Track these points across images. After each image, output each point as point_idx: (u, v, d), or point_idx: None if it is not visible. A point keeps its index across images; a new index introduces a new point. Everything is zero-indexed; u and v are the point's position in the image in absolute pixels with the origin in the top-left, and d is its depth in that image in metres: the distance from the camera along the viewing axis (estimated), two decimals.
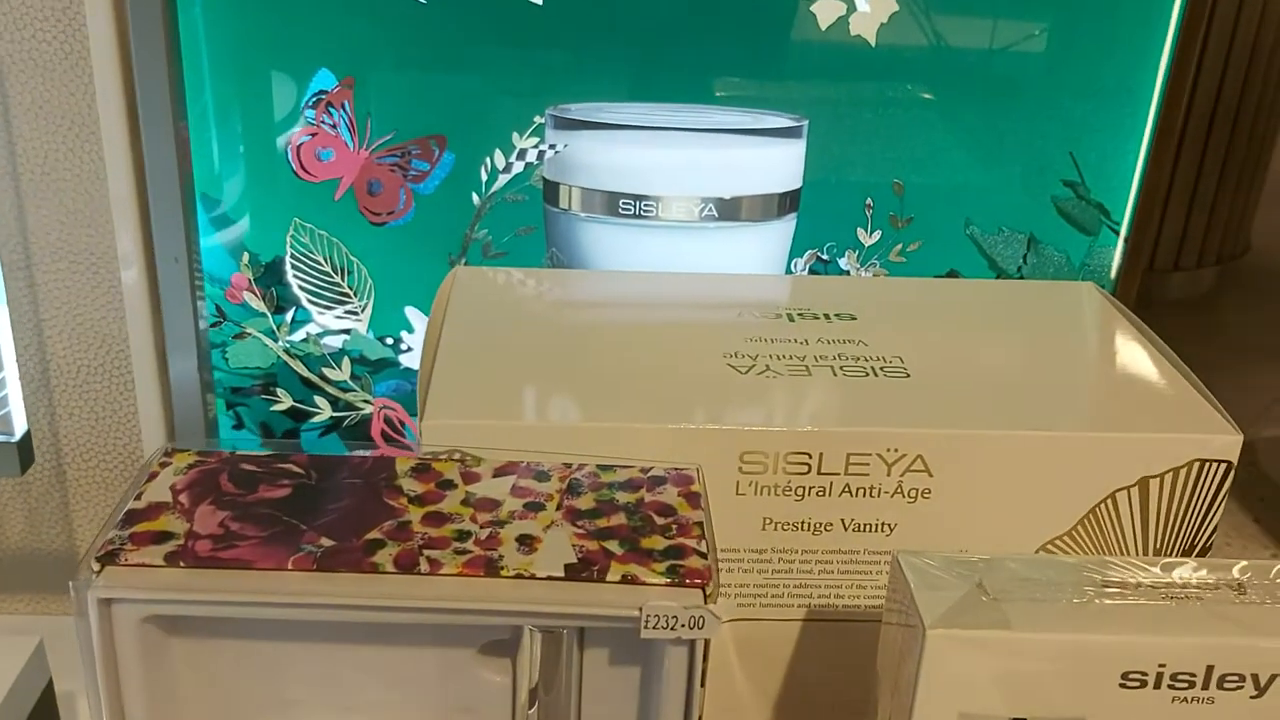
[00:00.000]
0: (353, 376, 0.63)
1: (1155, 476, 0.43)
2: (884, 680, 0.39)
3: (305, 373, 0.63)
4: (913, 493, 0.43)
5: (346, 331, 0.62)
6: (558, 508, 0.36)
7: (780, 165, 0.60)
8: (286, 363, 0.62)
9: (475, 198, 0.59)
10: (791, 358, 0.47)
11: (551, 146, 0.58)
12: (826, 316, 0.51)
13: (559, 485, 0.37)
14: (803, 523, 0.44)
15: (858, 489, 0.43)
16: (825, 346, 0.48)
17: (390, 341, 0.62)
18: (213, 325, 0.62)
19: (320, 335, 0.62)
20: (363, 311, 0.62)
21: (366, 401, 0.63)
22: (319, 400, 0.63)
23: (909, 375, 0.46)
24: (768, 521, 0.44)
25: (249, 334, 0.62)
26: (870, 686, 0.40)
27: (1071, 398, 0.46)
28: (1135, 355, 0.49)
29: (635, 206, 0.59)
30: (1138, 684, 0.35)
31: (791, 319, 0.50)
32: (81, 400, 0.64)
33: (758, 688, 0.47)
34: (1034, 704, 0.35)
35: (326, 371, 0.63)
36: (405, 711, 0.37)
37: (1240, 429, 0.43)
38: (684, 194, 0.59)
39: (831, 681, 0.46)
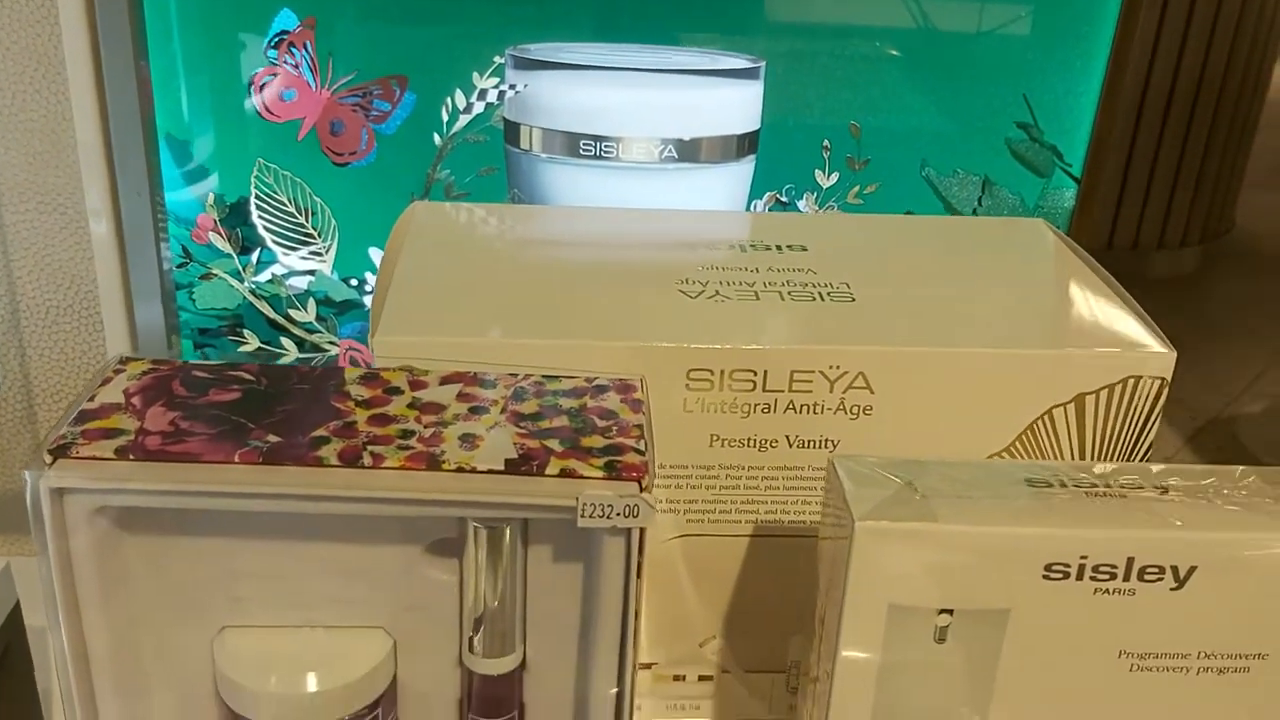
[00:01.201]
0: (318, 318, 0.64)
1: (1091, 393, 0.44)
2: (821, 585, 0.40)
3: (271, 314, 0.63)
4: (855, 409, 0.44)
5: (311, 272, 0.63)
6: (501, 411, 0.37)
7: (739, 106, 0.61)
8: (253, 304, 0.63)
9: (437, 138, 0.60)
10: (741, 284, 0.48)
11: (512, 87, 0.59)
12: (778, 248, 0.52)
13: (504, 392, 0.38)
14: (749, 439, 0.45)
15: (801, 406, 0.44)
16: (774, 274, 0.49)
17: (355, 283, 0.63)
18: (179, 266, 0.62)
19: (285, 276, 0.63)
20: (327, 253, 0.62)
21: (332, 343, 0.64)
22: (285, 342, 0.64)
23: (854, 300, 0.47)
24: (715, 438, 0.45)
25: (215, 275, 0.63)
26: (812, 599, 0.41)
27: (1011, 319, 0.48)
28: (1077, 282, 0.50)
29: (596, 147, 0.60)
30: (1060, 576, 0.36)
31: (744, 250, 0.51)
32: (51, 341, 0.65)
33: (706, 602, 0.48)
34: (961, 596, 0.36)
35: (292, 313, 0.64)
36: (354, 609, 0.38)
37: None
38: (644, 135, 0.60)
39: (777, 595, 0.47)
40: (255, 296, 0.63)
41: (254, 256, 0.62)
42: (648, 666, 0.50)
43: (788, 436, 0.45)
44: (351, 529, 0.37)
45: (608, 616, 0.37)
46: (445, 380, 0.39)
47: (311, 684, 0.37)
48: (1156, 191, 2.14)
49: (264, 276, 0.63)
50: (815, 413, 0.44)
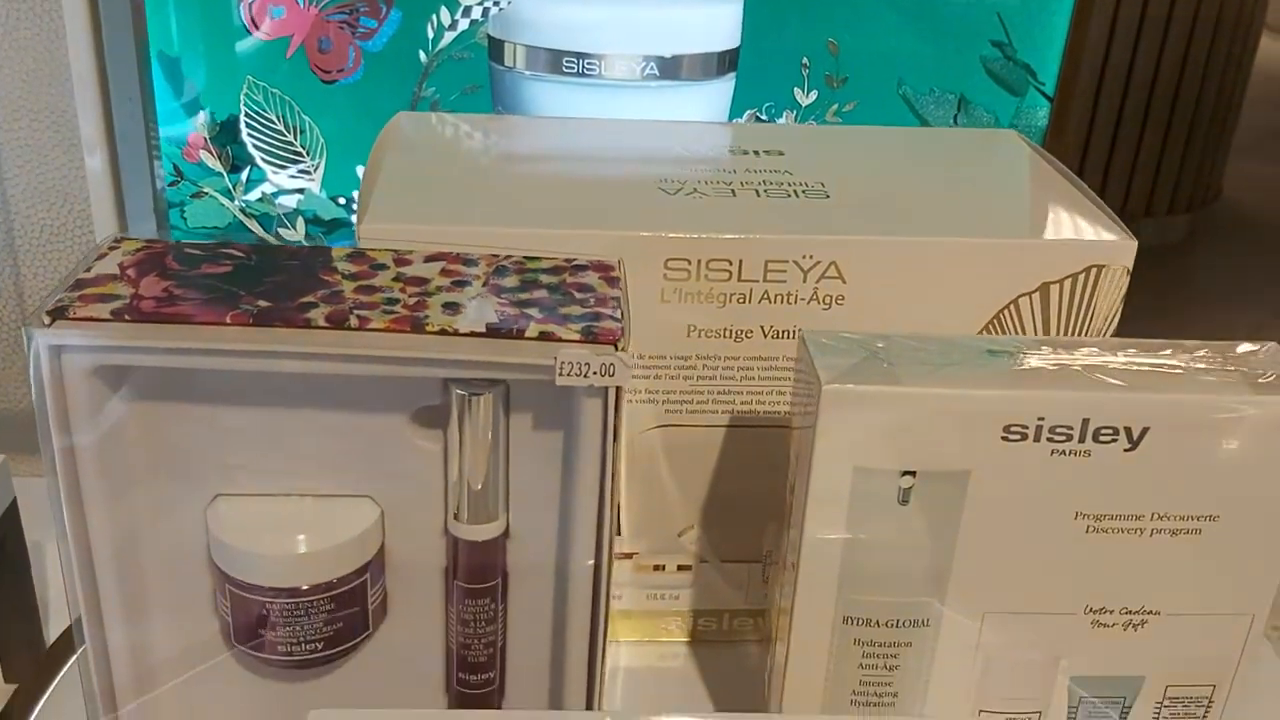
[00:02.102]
0: (307, 236, 0.65)
1: (1055, 282, 0.46)
2: (791, 457, 0.41)
3: (261, 232, 0.65)
4: (827, 299, 0.46)
5: (300, 191, 0.64)
6: (483, 284, 0.38)
7: (719, 23, 0.62)
8: (243, 222, 0.64)
9: (422, 56, 0.61)
10: (718, 183, 0.49)
11: (495, 3, 0.60)
12: (756, 153, 0.53)
13: (486, 269, 0.40)
14: (725, 330, 0.46)
15: (776, 296, 0.46)
16: (752, 175, 0.50)
17: (343, 202, 0.65)
18: (171, 185, 0.64)
19: (275, 195, 0.64)
20: (315, 171, 0.64)
21: None
22: None
23: (829, 197, 0.49)
24: (692, 329, 0.46)
25: (206, 193, 0.64)
26: (785, 489, 0.43)
27: (979, 213, 0.49)
28: (1044, 182, 0.52)
29: (578, 65, 0.61)
30: (1019, 437, 0.38)
31: (722, 154, 0.53)
32: (45, 260, 0.66)
33: (684, 493, 0.50)
34: (923, 457, 0.38)
35: (282, 231, 0.65)
36: (342, 477, 0.40)
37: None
38: (626, 52, 0.61)
39: (752, 486, 0.48)
40: (245, 215, 0.64)
41: (244, 175, 0.63)
42: (628, 556, 0.51)
43: (762, 327, 0.46)
44: (339, 396, 0.38)
45: (586, 482, 0.39)
46: (430, 258, 0.40)
47: (301, 546, 0.38)
48: (1144, 160, 2.15)
49: (254, 195, 0.64)
50: (789, 303, 0.46)
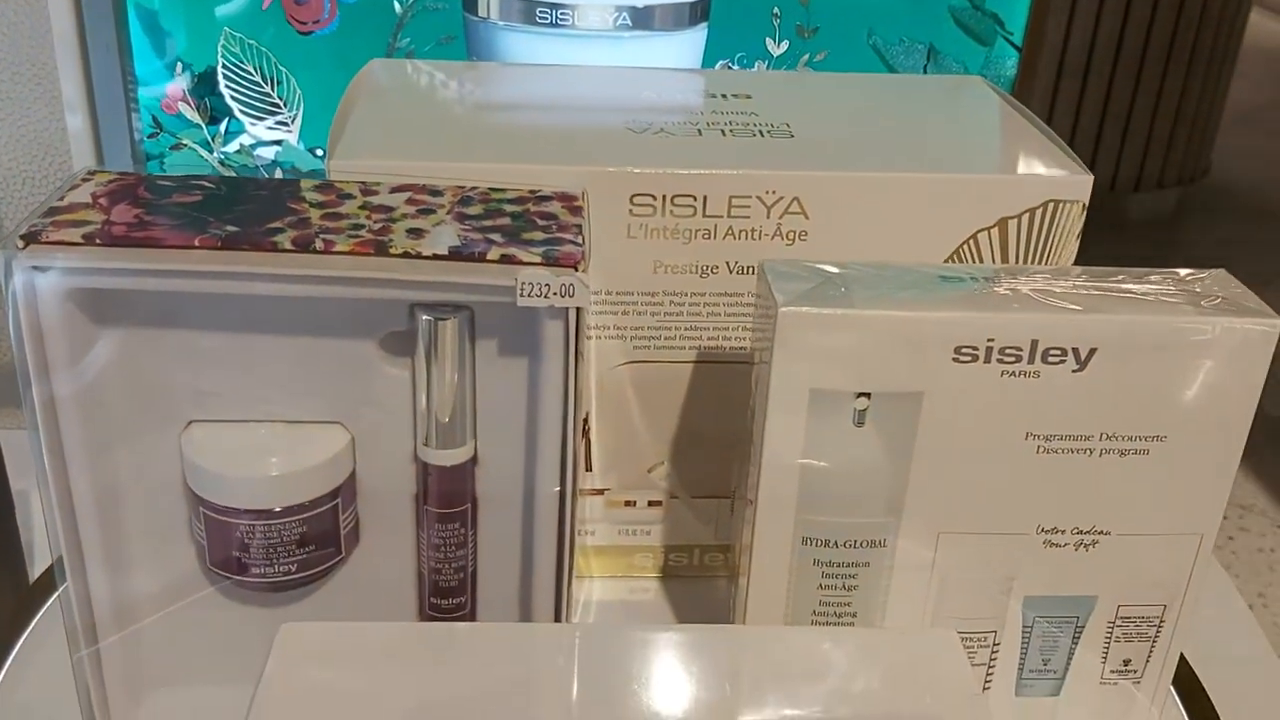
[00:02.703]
0: None
1: (1013, 217, 0.47)
2: (752, 385, 0.42)
3: None
4: (791, 235, 0.47)
5: (278, 143, 0.65)
6: (448, 212, 0.39)
7: None
8: (221, 174, 0.65)
9: (397, 6, 0.62)
10: (685, 123, 0.50)
11: None
12: (723, 96, 0.54)
13: (451, 199, 0.41)
14: (691, 266, 0.47)
15: (740, 232, 0.47)
16: (718, 116, 0.51)
17: (320, 153, 0.65)
18: (150, 137, 0.64)
19: (253, 146, 0.65)
20: (293, 122, 0.64)
21: None
22: None
23: (794, 137, 0.49)
24: (658, 265, 0.47)
25: (185, 145, 0.65)
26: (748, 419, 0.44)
27: (941, 151, 0.50)
28: (1007, 123, 0.53)
29: (551, 15, 0.62)
30: (969, 358, 0.39)
31: (690, 97, 0.54)
32: (25, 210, 0.67)
33: (653, 429, 0.51)
34: (877, 379, 0.39)
35: None
36: (313, 403, 0.41)
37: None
38: (599, 2, 0.62)
39: (720, 422, 0.49)
40: (224, 166, 0.65)
41: (222, 126, 0.64)
42: (599, 493, 0.53)
43: (728, 262, 0.47)
44: (308, 323, 0.39)
45: (551, 407, 0.40)
46: (396, 189, 0.41)
47: (274, 469, 0.39)
48: (1134, 133, 2.16)
49: (232, 147, 0.65)
50: (753, 238, 0.47)
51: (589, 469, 0.52)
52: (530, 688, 0.35)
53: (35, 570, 0.59)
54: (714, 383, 0.50)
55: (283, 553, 0.40)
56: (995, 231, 0.47)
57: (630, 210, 0.46)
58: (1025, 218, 0.47)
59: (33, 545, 0.60)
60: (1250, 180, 2.41)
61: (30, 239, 0.36)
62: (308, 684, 0.34)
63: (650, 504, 0.53)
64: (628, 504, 0.53)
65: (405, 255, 0.36)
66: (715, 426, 0.50)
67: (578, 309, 0.37)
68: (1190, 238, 2.23)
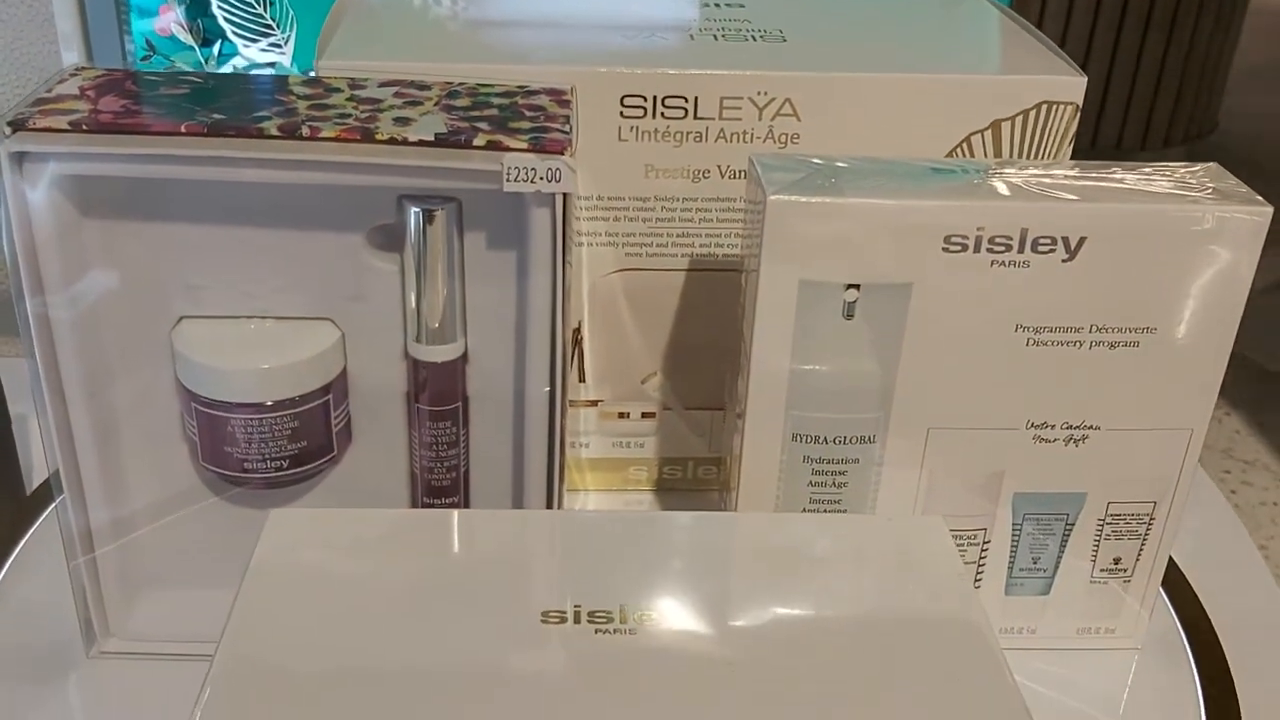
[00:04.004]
0: None
1: (1006, 120, 0.47)
2: (741, 294, 0.42)
3: None
4: (783, 137, 0.47)
5: (272, 65, 0.65)
6: (435, 104, 0.39)
7: None
8: None
9: None
10: (677, 29, 0.50)
11: None
12: (716, 4, 0.54)
13: (439, 93, 0.40)
14: (682, 170, 0.47)
15: (732, 135, 0.46)
16: (711, 22, 0.51)
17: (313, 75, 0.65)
18: (143, 59, 0.64)
19: (247, 69, 0.65)
20: (286, 44, 0.64)
21: None
22: None
23: (786, 41, 0.49)
24: (649, 169, 0.47)
25: (179, 68, 0.64)
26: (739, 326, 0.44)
27: (934, 54, 0.50)
28: (1002, 28, 0.52)
29: None
30: (959, 248, 0.38)
31: (683, 7, 0.53)
32: None
33: (646, 338, 0.51)
34: (866, 270, 0.39)
35: None
36: (302, 298, 0.41)
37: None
38: None
39: (713, 331, 0.49)
40: None
41: (215, 49, 0.64)
42: (594, 404, 0.53)
43: (719, 166, 0.47)
44: (296, 216, 0.39)
45: (539, 302, 0.40)
46: (383, 84, 0.41)
47: (264, 362, 0.40)
48: (1140, 91, 2.14)
49: (226, 69, 0.64)
50: (745, 141, 0.46)
51: (582, 380, 0.52)
52: (521, 568, 0.36)
53: (31, 488, 0.59)
54: (706, 291, 0.50)
55: (274, 449, 0.41)
56: (989, 134, 0.47)
57: (621, 112, 0.46)
58: (1018, 119, 0.47)
59: (31, 470, 0.61)
60: (1258, 138, 2.39)
61: (17, 125, 0.35)
62: (296, 567, 0.34)
63: (644, 416, 0.53)
64: (621, 416, 0.53)
65: (391, 141, 0.36)
66: (707, 336, 0.50)
67: (565, 196, 0.37)
68: None
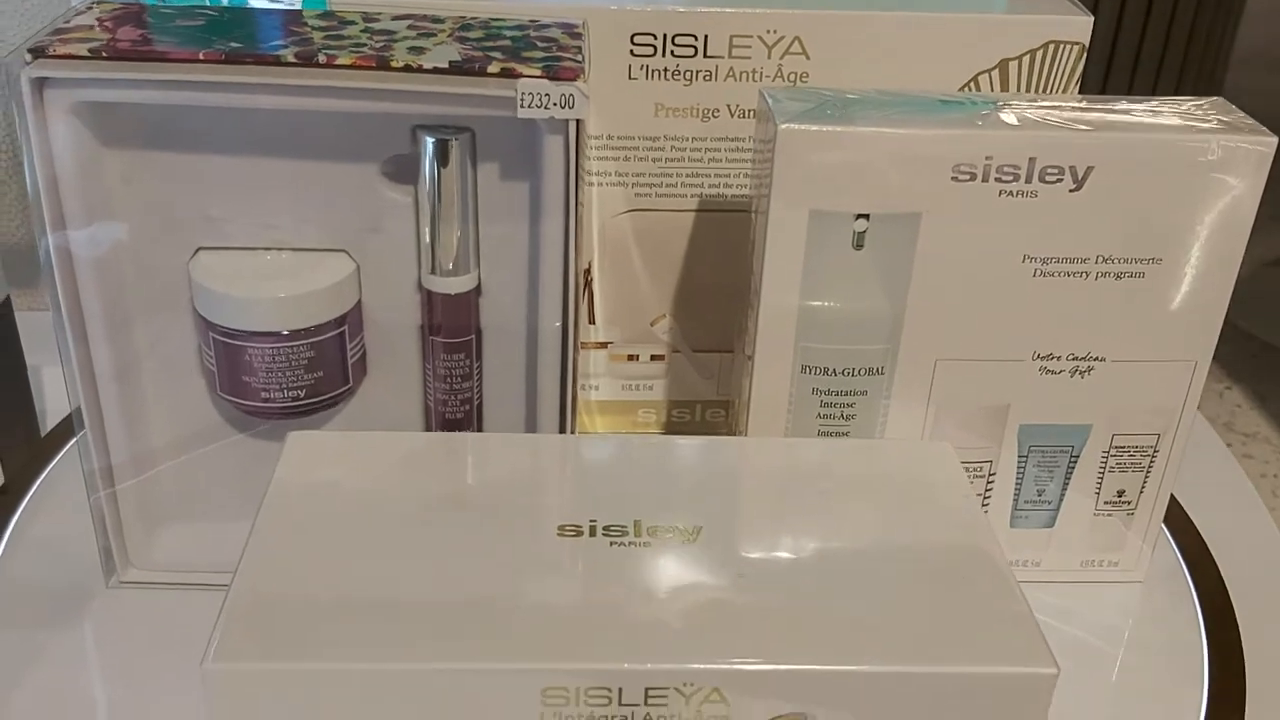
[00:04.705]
0: None
1: (1014, 59, 0.47)
2: (753, 223, 0.43)
3: None
4: (792, 76, 0.47)
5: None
6: (449, 35, 0.40)
7: None
8: None
9: None
10: None
11: None
12: None
13: (453, 25, 0.41)
14: (692, 108, 0.47)
15: (741, 74, 0.47)
16: None
17: None
18: None
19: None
20: None
21: None
22: None
23: None
24: (659, 108, 0.47)
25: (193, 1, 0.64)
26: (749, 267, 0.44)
27: None
28: None
29: None
30: (967, 177, 0.39)
31: None
32: None
33: (655, 280, 0.51)
34: (875, 200, 0.39)
35: None
36: (319, 230, 0.41)
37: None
38: None
39: (722, 274, 0.50)
40: None
41: None
42: (603, 346, 0.53)
43: (729, 105, 0.47)
44: (312, 147, 0.39)
45: (552, 232, 0.40)
46: (397, 18, 0.41)
47: (281, 291, 0.40)
48: (1142, 74, 2.14)
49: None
50: (754, 80, 0.47)
51: (592, 322, 0.53)
52: (537, 487, 0.36)
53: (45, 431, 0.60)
54: (715, 232, 0.50)
55: (291, 378, 0.41)
56: (996, 73, 0.47)
57: (631, 50, 0.46)
58: (1025, 59, 0.47)
59: (45, 414, 0.61)
60: (1260, 115, 2.39)
61: (38, 53, 0.36)
62: (316, 485, 0.35)
63: (653, 358, 0.54)
64: (631, 358, 0.54)
65: (406, 69, 0.37)
66: (716, 278, 0.51)
67: (578, 123, 0.37)
68: None
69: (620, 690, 0.29)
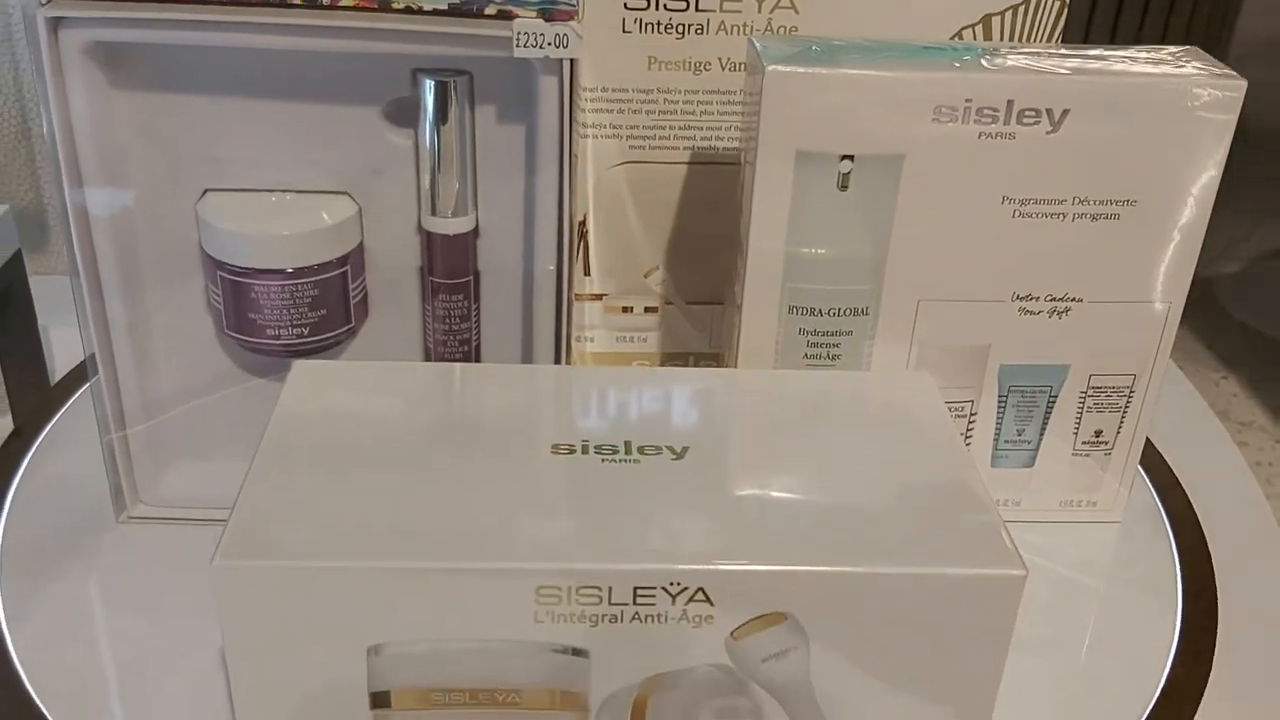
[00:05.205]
0: None
1: (996, 14, 0.48)
2: (742, 171, 0.44)
3: None
4: (781, 29, 0.48)
5: None
6: None
7: None
8: None
9: None
10: None
11: None
12: None
13: None
14: (684, 61, 0.49)
15: (732, 27, 0.48)
16: None
17: None
18: None
19: None
20: None
21: None
22: None
23: None
24: (652, 60, 0.49)
25: None
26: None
27: None
28: None
29: None
30: (948, 118, 0.40)
31: None
32: None
33: (649, 232, 0.53)
34: (860, 141, 0.41)
35: None
36: (323, 171, 0.42)
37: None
38: None
39: (714, 226, 0.51)
40: None
41: None
42: (598, 298, 0.55)
43: (720, 59, 0.49)
44: (316, 90, 0.41)
45: (546, 173, 0.42)
46: None
47: (286, 230, 0.42)
48: None
49: None
50: (744, 33, 0.48)
51: (587, 274, 0.54)
52: (533, 411, 0.38)
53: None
54: (707, 185, 0.52)
55: (295, 316, 0.43)
56: (979, 27, 0.48)
57: (625, 4, 0.47)
58: (1008, 13, 0.48)
59: (54, 372, 0.63)
60: (1259, 109, 2.41)
61: None
62: (320, 407, 0.37)
63: (647, 310, 0.55)
64: (625, 310, 0.55)
65: (407, 10, 0.38)
66: (708, 230, 0.52)
67: (572, 63, 0.38)
68: None
69: (610, 590, 0.30)
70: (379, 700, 0.32)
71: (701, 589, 0.30)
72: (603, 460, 0.34)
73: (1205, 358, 1.78)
